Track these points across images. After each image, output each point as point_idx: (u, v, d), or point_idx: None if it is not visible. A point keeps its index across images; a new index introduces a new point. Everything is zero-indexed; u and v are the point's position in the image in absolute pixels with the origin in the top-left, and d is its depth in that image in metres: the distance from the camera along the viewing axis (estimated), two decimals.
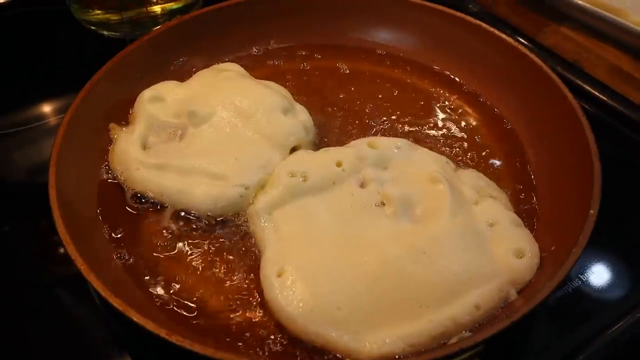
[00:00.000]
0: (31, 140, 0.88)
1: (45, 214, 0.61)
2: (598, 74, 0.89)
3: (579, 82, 0.89)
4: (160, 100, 0.78)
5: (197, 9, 0.98)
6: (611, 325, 0.63)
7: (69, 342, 0.64)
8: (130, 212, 0.69)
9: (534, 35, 0.98)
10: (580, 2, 0.90)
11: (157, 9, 0.98)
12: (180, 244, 0.67)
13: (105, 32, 0.99)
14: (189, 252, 0.66)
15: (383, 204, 0.65)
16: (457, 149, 0.78)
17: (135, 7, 0.96)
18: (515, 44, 0.82)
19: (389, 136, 0.78)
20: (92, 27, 0.99)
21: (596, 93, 0.88)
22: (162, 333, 0.50)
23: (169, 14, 0.99)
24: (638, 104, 0.85)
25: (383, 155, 0.70)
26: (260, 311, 0.60)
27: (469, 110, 0.84)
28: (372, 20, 0.93)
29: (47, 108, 0.94)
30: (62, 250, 0.61)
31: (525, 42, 0.96)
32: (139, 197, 0.70)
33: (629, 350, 0.63)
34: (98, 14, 0.97)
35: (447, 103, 0.85)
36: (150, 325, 0.51)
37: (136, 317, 0.51)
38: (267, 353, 0.57)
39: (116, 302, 0.53)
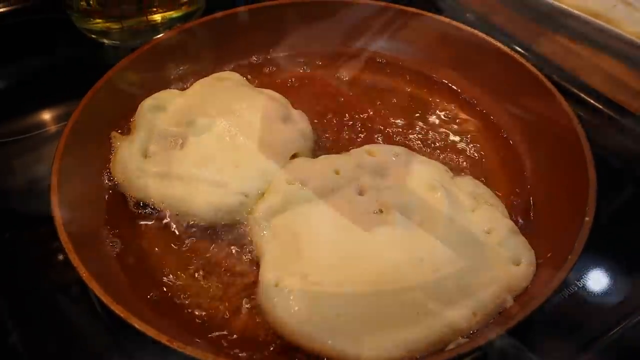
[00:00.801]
0: (31, 148, 0.88)
1: (46, 222, 0.61)
2: (594, 82, 0.90)
3: (575, 91, 0.90)
4: (161, 109, 0.79)
5: (196, 18, 0.99)
6: (609, 330, 0.64)
7: (69, 348, 0.64)
8: (132, 219, 0.70)
9: (530, 44, 0.98)
10: (576, 12, 0.91)
11: (157, 17, 0.98)
12: (180, 251, 0.67)
13: (105, 41, 0.99)
14: (189, 259, 0.67)
15: (381, 211, 0.66)
16: (455, 157, 0.79)
17: (135, 16, 0.96)
18: (511, 52, 0.83)
19: (387, 144, 0.79)
20: (93, 36, 0.99)
21: (592, 101, 0.89)
22: (164, 340, 0.51)
23: (169, 23, 0.99)
24: (633, 111, 0.86)
25: (381, 162, 0.71)
26: (259, 318, 0.61)
27: (466, 118, 0.85)
28: (371, 29, 0.94)
29: (47, 116, 0.94)
30: (61, 257, 0.62)
31: (522, 51, 0.97)
32: (141, 205, 0.71)
33: (627, 355, 0.64)
34: (98, 23, 0.97)
35: (444, 111, 0.86)
36: (151, 332, 0.51)
37: (137, 324, 0.52)
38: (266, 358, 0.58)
39: (117, 309, 0.54)
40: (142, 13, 0.96)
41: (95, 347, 0.65)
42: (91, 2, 0.95)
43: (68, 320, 0.67)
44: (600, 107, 0.88)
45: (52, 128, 0.91)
